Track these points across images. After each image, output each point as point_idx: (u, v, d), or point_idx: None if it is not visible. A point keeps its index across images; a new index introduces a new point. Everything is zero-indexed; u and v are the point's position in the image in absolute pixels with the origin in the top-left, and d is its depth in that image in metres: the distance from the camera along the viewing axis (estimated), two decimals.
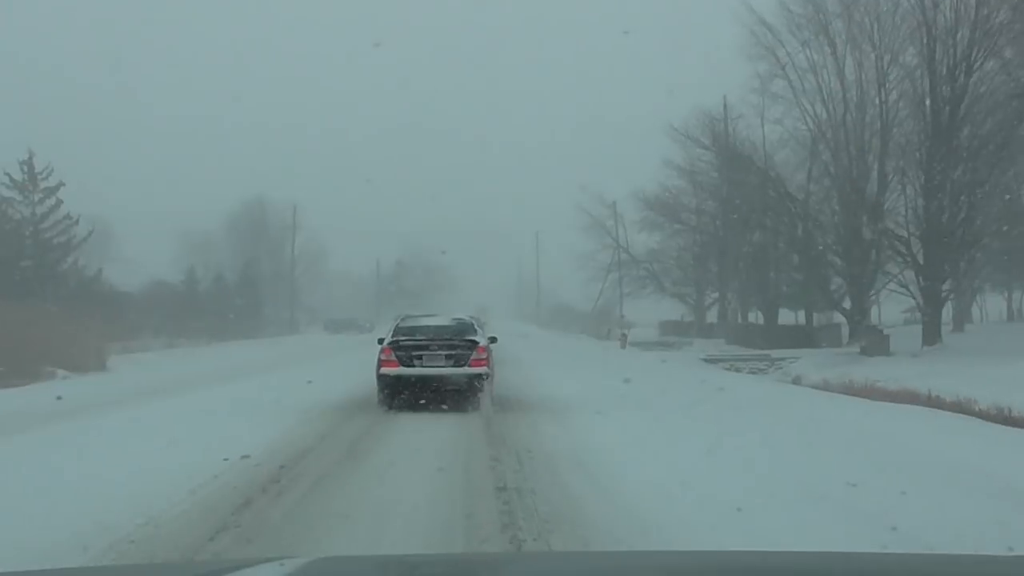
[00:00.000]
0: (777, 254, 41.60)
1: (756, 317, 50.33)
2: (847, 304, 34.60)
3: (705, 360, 30.47)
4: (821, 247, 34.24)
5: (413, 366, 14.59)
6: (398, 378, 14.58)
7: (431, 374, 14.59)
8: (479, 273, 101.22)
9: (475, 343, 14.86)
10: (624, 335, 36.82)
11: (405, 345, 14.78)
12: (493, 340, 16.47)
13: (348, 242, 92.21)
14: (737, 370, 30.12)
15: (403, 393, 14.57)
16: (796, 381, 25.58)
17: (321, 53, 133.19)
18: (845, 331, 35.77)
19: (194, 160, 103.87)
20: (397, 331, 15.50)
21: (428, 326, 15.82)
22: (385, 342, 15.08)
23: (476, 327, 16.05)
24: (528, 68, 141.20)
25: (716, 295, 54.97)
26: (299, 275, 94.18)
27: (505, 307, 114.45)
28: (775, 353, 31.12)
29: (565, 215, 77.43)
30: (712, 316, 56.61)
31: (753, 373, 30.09)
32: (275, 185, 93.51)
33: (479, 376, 14.58)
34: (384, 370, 14.65)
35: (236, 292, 67.79)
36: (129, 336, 47.80)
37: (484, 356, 14.77)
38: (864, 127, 35.36)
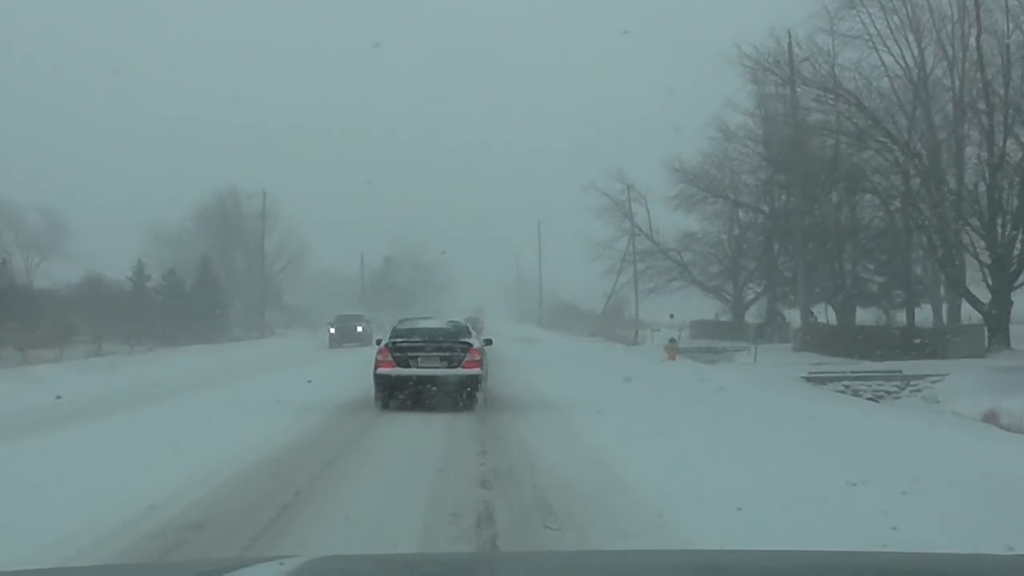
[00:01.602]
0: (860, 232, 31.63)
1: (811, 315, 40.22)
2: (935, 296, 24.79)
3: (808, 380, 20.36)
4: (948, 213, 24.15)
5: (409, 367, 14.70)
6: (395, 378, 14.69)
7: (426, 375, 14.68)
8: (475, 271, 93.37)
9: (469, 345, 14.99)
10: (674, 342, 26.80)
11: (402, 346, 14.90)
12: (488, 343, 16.65)
13: (338, 240, 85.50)
14: (855, 393, 20.05)
15: (399, 393, 14.69)
16: (988, 418, 15.44)
17: (320, 53, 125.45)
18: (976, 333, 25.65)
19: (185, 158, 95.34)
20: (395, 333, 15.72)
21: (424, 328, 16.02)
22: (383, 343, 15.32)
23: (470, 330, 16.33)
24: (528, 66, 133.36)
25: (760, 289, 45.00)
26: (278, 273, 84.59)
27: (503, 307, 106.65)
28: (907, 368, 21.03)
29: (565, 214, 71.59)
30: (752, 314, 46.69)
31: (877, 397, 20.04)
32: (270, 185, 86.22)
33: (473, 377, 14.67)
34: (381, 370, 14.78)
35: (195, 290, 57.64)
36: (45, 343, 38.47)
37: (478, 358, 14.80)
38: (1005, 53, 25.39)
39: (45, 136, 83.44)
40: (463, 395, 14.52)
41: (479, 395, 14.67)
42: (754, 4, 38.62)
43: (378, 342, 15.61)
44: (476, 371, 14.69)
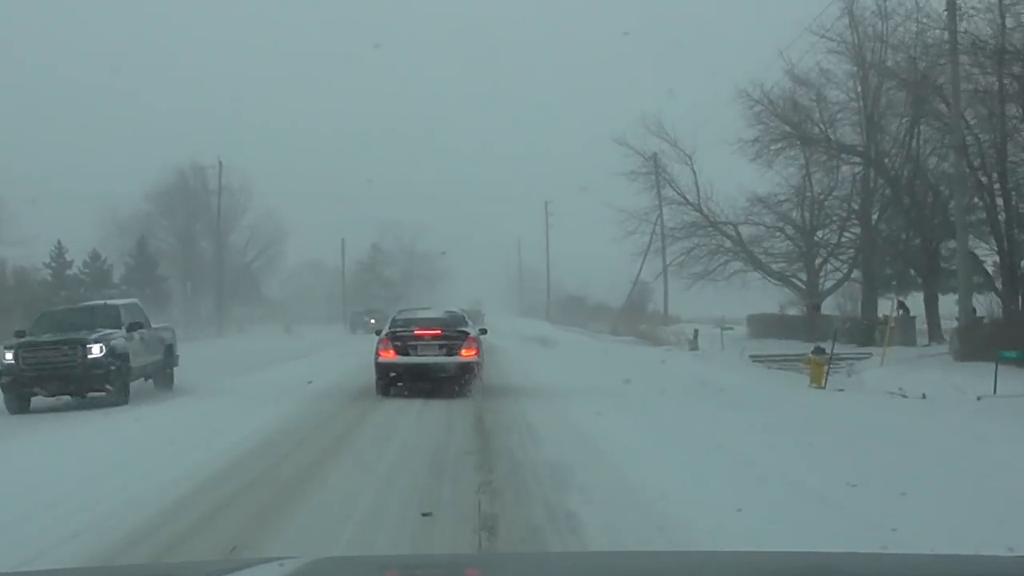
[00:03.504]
0: None
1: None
2: None
3: None
4: None
5: (409, 355, 14.62)
6: (395, 366, 14.60)
7: (425, 362, 14.58)
8: (472, 264, 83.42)
9: (466, 334, 14.98)
10: (823, 353, 14.68)
11: (402, 336, 14.83)
12: (483, 332, 16.42)
13: (330, 233, 75.77)
14: None
15: (399, 380, 14.61)
16: None
17: (320, 52, 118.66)
18: None
19: (173, 153, 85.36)
20: (393, 323, 15.73)
21: (422, 318, 15.93)
22: (383, 333, 15.19)
23: (467, 319, 16.20)
24: (528, 63, 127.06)
25: (844, 270, 33.49)
26: (251, 262, 73.00)
27: (502, 301, 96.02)
28: None
29: (567, 208, 66.08)
30: (829, 306, 35.25)
31: None
32: (268, 182, 78.96)
33: (470, 364, 14.58)
34: (382, 359, 14.66)
35: (130, 277, 45.97)
36: None
37: (474, 346, 14.76)
38: None
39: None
40: (461, 382, 14.26)
41: (476, 381, 14.48)
42: None
43: (377, 333, 15.58)
44: (473, 358, 14.59)
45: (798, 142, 28.15)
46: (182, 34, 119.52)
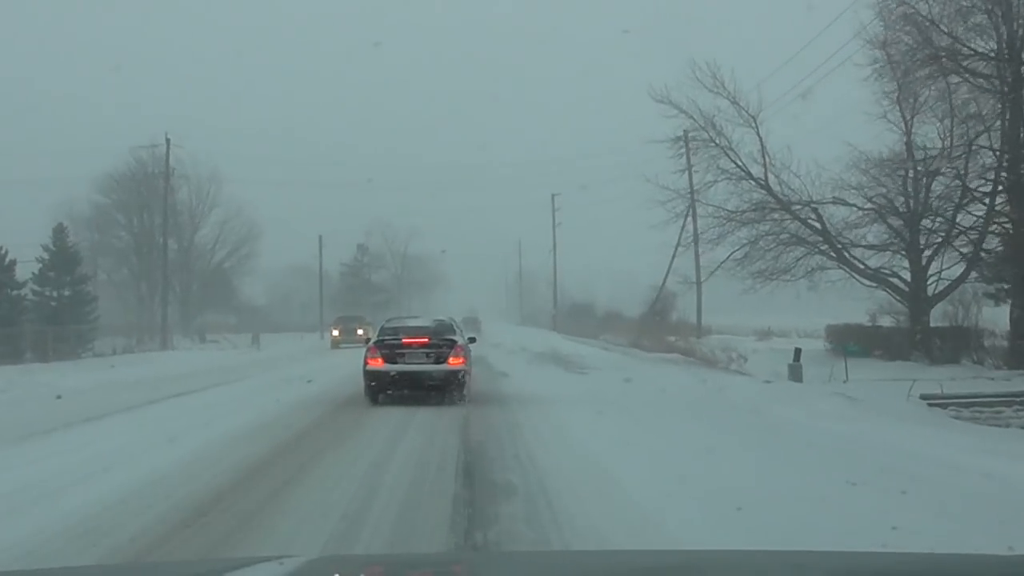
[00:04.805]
0: None
1: None
2: None
3: None
4: None
5: (397, 363, 14.63)
6: (383, 373, 14.61)
7: (413, 370, 14.57)
8: (468, 269, 75.87)
9: (454, 342, 14.95)
10: None
11: (390, 343, 14.82)
12: (472, 340, 16.61)
13: (317, 235, 67.19)
14: None
15: (388, 387, 14.58)
16: None
17: (321, 51, 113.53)
18: None
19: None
20: (382, 331, 15.64)
21: (410, 327, 15.94)
22: (371, 341, 15.36)
23: (455, 328, 16.09)
24: (528, 63, 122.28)
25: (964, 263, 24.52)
26: (222, 262, 64.12)
27: (502, 308, 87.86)
28: None
29: (567, 216, 59.22)
30: (939, 314, 26.24)
31: None
32: (267, 183, 70.78)
33: (457, 372, 14.58)
34: (370, 366, 14.71)
35: (44, 276, 36.78)
36: None
37: (462, 355, 14.74)
38: None
39: None
40: (448, 389, 14.35)
41: (463, 389, 14.44)
42: None
43: (367, 341, 16.19)
44: (461, 366, 14.52)
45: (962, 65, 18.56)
46: (174, 28, 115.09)
